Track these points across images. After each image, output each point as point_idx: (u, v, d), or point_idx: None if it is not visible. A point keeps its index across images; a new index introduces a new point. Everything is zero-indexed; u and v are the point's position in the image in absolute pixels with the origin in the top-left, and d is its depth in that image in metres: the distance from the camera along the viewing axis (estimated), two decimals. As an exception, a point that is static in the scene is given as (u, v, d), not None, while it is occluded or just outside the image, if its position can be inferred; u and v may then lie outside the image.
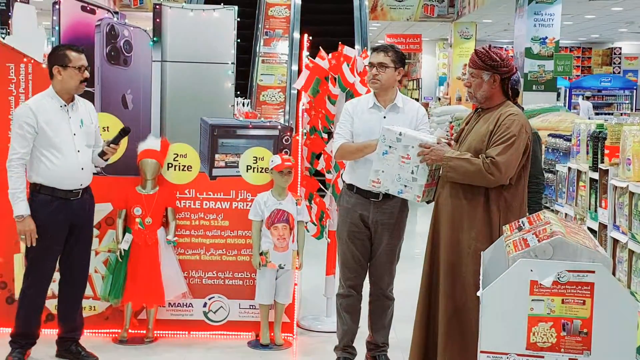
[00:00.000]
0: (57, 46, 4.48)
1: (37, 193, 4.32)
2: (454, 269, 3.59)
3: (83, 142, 4.43)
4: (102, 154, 4.53)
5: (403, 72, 4.37)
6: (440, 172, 3.69)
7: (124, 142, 4.80)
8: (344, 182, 4.42)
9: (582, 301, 2.57)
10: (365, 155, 4.18)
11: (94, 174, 4.72)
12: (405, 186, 3.75)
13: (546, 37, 13.93)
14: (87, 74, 4.39)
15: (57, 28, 5.08)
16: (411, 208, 4.43)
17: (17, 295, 4.85)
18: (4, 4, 12.95)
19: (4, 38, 4.89)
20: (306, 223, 5.05)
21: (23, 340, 4.47)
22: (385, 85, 4.27)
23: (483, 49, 3.75)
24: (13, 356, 4.41)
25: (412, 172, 3.72)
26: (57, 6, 5.07)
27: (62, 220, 4.36)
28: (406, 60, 24.44)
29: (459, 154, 3.63)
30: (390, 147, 3.75)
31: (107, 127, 4.88)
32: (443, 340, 3.62)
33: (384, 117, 4.27)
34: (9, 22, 12.36)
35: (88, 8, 5.36)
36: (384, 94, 4.30)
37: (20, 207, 4.25)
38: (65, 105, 4.38)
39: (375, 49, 4.32)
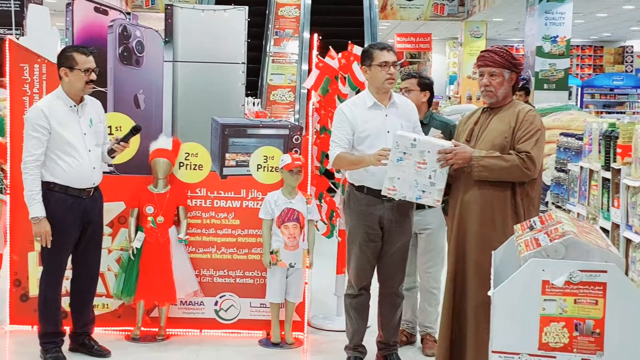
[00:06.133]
0: (65, 48, 4.50)
1: (51, 191, 4.35)
2: (485, 264, 3.58)
3: (93, 141, 4.46)
4: (110, 152, 4.56)
5: None
6: (473, 173, 3.67)
7: (135, 140, 4.82)
8: (350, 184, 4.36)
9: (594, 301, 2.57)
10: (360, 168, 4.17)
11: (106, 173, 4.75)
12: (424, 191, 3.74)
13: (557, 36, 13.89)
14: (93, 75, 4.38)
15: (70, 29, 5.10)
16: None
17: (31, 292, 4.91)
18: (18, 5, 13.01)
19: (18, 39, 4.92)
20: (316, 222, 5.06)
21: (56, 338, 4.52)
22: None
23: (500, 48, 3.83)
24: (54, 356, 4.44)
25: (430, 177, 3.71)
26: (70, 7, 5.09)
27: (75, 217, 4.39)
28: (415, 60, 24.50)
29: (487, 152, 3.68)
30: (404, 153, 3.72)
31: (120, 127, 4.91)
32: (474, 334, 3.64)
33: (386, 115, 4.25)
34: (23, 23, 12.47)
35: (101, 9, 5.38)
36: (387, 93, 4.30)
37: (36, 209, 4.27)
38: (75, 106, 4.40)
39: (384, 48, 4.26)
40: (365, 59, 4.29)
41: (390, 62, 4.20)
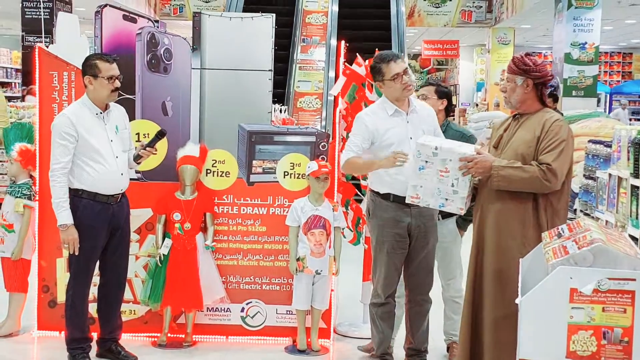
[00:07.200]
0: (88, 56, 4.52)
1: (80, 198, 4.39)
2: (502, 275, 3.55)
3: (120, 147, 4.50)
4: (137, 157, 4.59)
5: None
6: (492, 182, 3.63)
7: (162, 147, 4.86)
8: (374, 192, 4.34)
9: (622, 309, 2.54)
10: (370, 172, 4.16)
11: (134, 179, 4.79)
12: (447, 199, 3.72)
13: (586, 43, 13.76)
14: (117, 83, 4.42)
15: (99, 37, 5.15)
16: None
17: (59, 299, 4.96)
18: (47, 13, 13.21)
19: (47, 46, 4.99)
20: (343, 229, 5.06)
21: (84, 343, 4.56)
22: None
23: (520, 55, 3.77)
24: None
25: (453, 185, 3.69)
26: (99, 15, 5.15)
27: (103, 224, 4.43)
28: (443, 66, 24.46)
29: (508, 162, 3.61)
30: (426, 161, 3.71)
31: (147, 134, 4.95)
32: (491, 349, 3.59)
33: (407, 122, 4.25)
34: (53, 31, 12.65)
35: (129, 17, 5.44)
36: (405, 100, 4.28)
37: (64, 216, 4.32)
38: (101, 113, 4.44)
39: (390, 60, 4.23)
40: (376, 75, 4.29)
41: (401, 73, 4.19)
